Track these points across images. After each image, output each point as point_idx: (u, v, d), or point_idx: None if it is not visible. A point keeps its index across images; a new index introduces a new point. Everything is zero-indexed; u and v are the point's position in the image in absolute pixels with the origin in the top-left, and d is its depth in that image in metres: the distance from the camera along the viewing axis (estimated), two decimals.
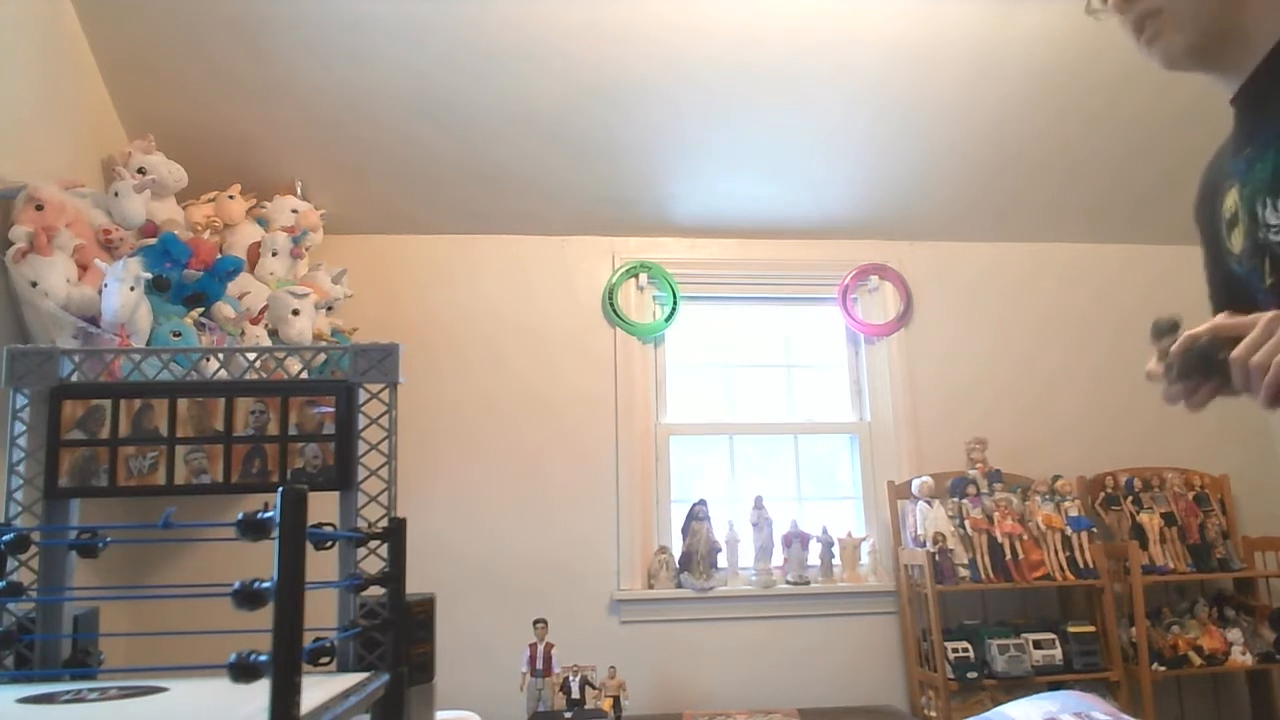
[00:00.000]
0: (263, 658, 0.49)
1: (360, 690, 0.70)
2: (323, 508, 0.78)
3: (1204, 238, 1.07)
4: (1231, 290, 1.02)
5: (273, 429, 0.78)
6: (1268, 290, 0.91)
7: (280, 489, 0.49)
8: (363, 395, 0.86)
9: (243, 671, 0.50)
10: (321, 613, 0.77)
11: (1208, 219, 1.05)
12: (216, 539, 0.56)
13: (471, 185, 2.84)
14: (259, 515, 0.52)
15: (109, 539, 0.68)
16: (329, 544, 0.78)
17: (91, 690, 0.62)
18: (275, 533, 0.50)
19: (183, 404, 0.74)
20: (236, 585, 0.52)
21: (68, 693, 0.61)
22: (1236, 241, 0.96)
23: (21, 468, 0.67)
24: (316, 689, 0.65)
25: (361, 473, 0.84)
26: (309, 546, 0.80)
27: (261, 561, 0.57)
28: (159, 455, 0.73)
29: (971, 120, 2.73)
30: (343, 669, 0.83)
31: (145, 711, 0.59)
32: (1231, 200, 0.96)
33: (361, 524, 0.83)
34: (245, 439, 0.77)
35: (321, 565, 0.79)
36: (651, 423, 3.05)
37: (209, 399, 0.75)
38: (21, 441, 0.68)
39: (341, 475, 0.83)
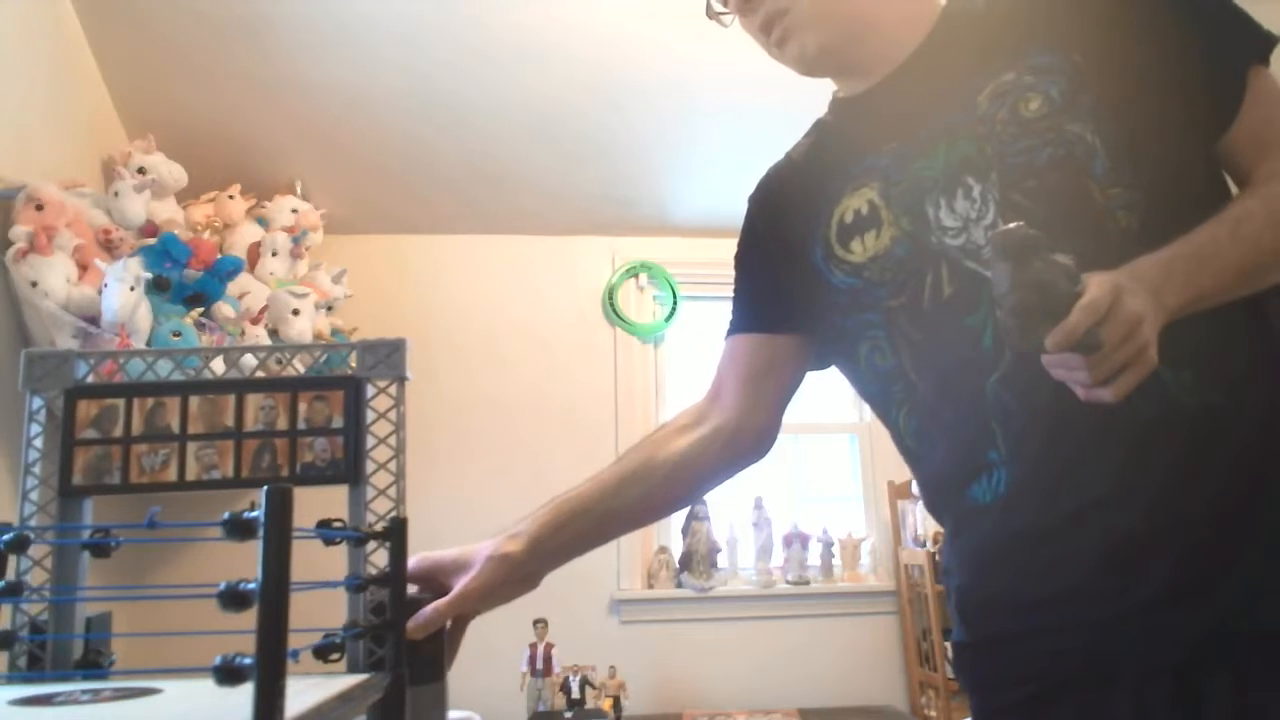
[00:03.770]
0: (247, 660, 0.49)
1: (357, 693, 0.70)
2: (335, 502, 0.79)
3: (766, 255, 0.99)
4: (804, 306, 0.92)
5: (281, 424, 0.78)
6: (912, 302, 0.81)
7: (265, 487, 0.49)
8: (370, 391, 0.85)
9: (227, 675, 0.50)
10: (336, 611, 0.77)
11: (780, 232, 0.96)
12: (213, 539, 0.56)
13: (471, 185, 2.84)
14: (244, 515, 0.51)
15: (121, 539, 0.68)
16: (337, 541, 0.78)
17: (84, 692, 0.62)
18: (260, 532, 0.50)
19: (194, 401, 0.74)
20: (221, 586, 0.52)
21: (62, 694, 0.61)
22: (860, 249, 0.86)
23: (37, 468, 0.68)
24: (313, 691, 0.65)
25: (370, 467, 0.84)
26: (318, 544, 0.80)
27: None
28: (170, 452, 0.73)
29: None
30: (352, 669, 0.83)
31: (137, 713, 0.59)
32: (859, 202, 0.86)
33: (371, 518, 0.83)
34: (255, 434, 0.77)
35: (334, 562, 0.79)
36: (651, 423, 3.04)
37: (219, 396, 0.75)
38: (37, 443, 0.68)
39: (350, 469, 0.83)
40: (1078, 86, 0.77)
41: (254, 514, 0.50)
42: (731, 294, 1.04)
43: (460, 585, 0.85)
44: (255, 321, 2.26)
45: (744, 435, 0.99)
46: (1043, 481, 0.76)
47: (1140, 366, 0.64)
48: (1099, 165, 0.75)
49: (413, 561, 0.84)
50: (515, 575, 0.89)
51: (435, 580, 0.87)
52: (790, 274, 0.94)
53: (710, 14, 0.94)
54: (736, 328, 1.02)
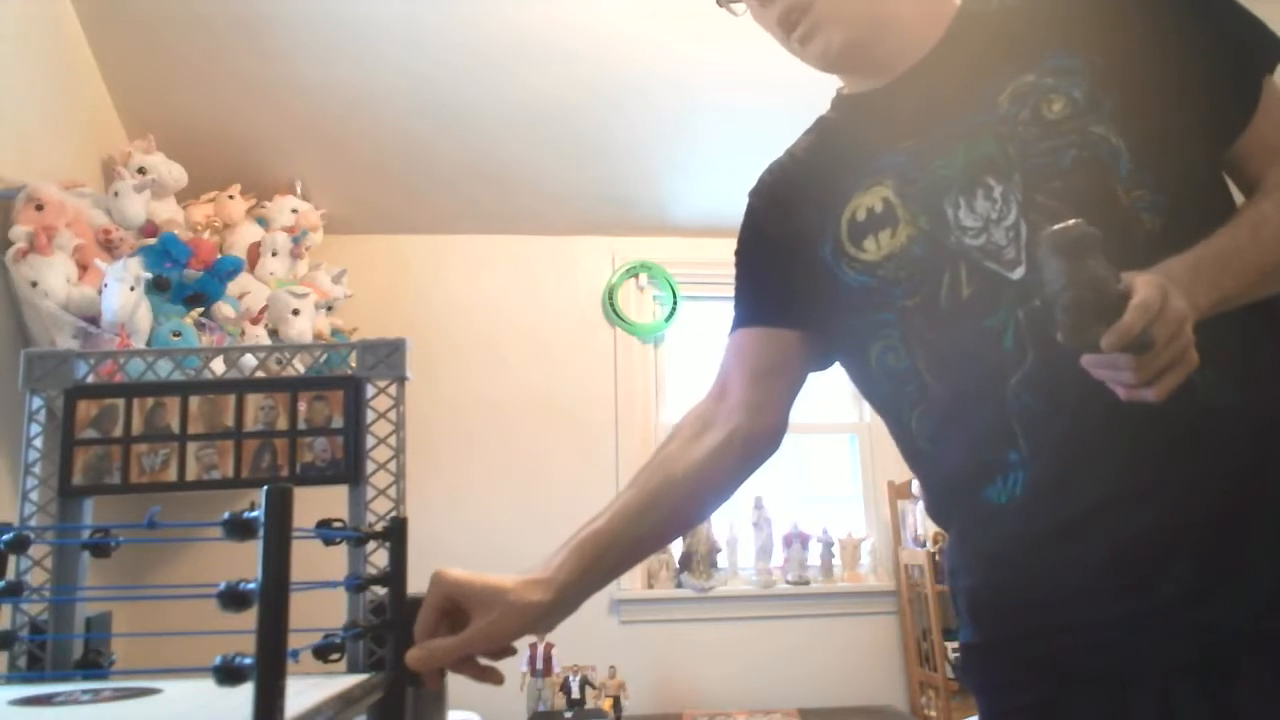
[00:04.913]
0: (248, 660, 0.49)
1: (357, 693, 0.70)
2: (335, 502, 0.78)
3: (771, 251, 0.97)
4: (811, 302, 0.91)
5: (281, 424, 0.78)
6: (929, 302, 0.81)
7: (265, 487, 0.49)
8: (370, 391, 0.85)
9: (227, 675, 0.50)
10: (336, 611, 0.77)
11: (785, 228, 0.95)
12: (213, 539, 0.56)
13: (471, 185, 2.84)
14: (244, 515, 0.51)
15: (121, 539, 0.68)
16: (337, 541, 0.78)
17: (84, 692, 0.62)
18: (260, 532, 0.50)
19: (194, 401, 0.74)
20: (221, 586, 0.52)
21: (62, 694, 0.61)
22: (874, 247, 0.85)
23: (37, 468, 0.67)
24: (313, 691, 0.65)
25: (370, 467, 0.84)
26: (318, 544, 0.80)
27: None
28: (170, 452, 0.73)
29: None
30: (352, 669, 0.83)
31: (137, 713, 0.59)
32: (873, 200, 0.85)
33: (371, 518, 0.83)
34: (255, 434, 0.77)
35: (334, 562, 0.79)
36: (651, 423, 3.05)
37: (219, 396, 0.75)
38: (37, 443, 0.68)
39: (350, 469, 0.83)
40: (1100, 89, 0.77)
41: (254, 514, 0.50)
42: (734, 290, 1.03)
43: (474, 628, 0.80)
44: (255, 321, 2.26)
45: (757, 436, 0.97)
46: (1062, 480, 0.75)
47: (1183, 366, 0.64)
48: (1123, 167, 0.75)
49: (443, 584, 0.78)
50: (534, 627, 0.84)
51: (457, 608, 0.81)
52: (796, 270, 0.93)
53: (721, 2, 0.91)
54: (742, 322, 1.00)
